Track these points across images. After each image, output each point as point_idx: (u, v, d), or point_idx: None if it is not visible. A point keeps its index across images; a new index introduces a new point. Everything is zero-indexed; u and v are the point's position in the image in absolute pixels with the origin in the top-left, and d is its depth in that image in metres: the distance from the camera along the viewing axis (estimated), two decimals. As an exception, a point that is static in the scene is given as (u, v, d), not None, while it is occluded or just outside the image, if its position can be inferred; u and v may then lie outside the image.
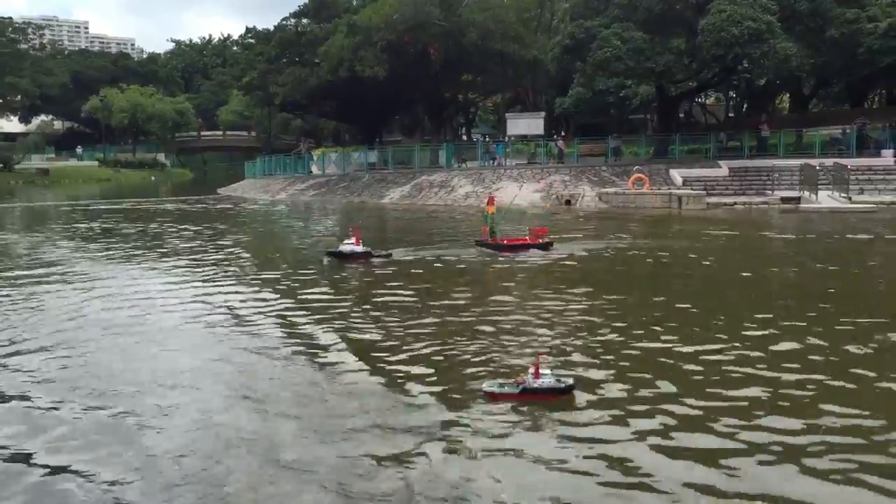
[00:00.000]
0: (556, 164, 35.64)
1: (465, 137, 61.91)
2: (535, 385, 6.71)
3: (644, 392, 6.91)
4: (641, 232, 20.45)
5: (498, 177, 34.21)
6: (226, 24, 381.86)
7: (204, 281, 13.53)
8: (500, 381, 7.07)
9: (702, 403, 6.59)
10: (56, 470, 5.58)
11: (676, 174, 30.48)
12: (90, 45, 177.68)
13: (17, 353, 8.64)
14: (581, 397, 6.81)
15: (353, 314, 10.41)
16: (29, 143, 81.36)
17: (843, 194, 25.59)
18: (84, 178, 71.89)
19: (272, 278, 13.80)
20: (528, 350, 8.19)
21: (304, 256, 16.69)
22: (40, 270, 14.93)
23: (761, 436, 5.87)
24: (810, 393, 6.84)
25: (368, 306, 10.89)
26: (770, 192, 28.18)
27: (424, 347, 8.54)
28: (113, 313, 10.70)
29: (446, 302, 11.11)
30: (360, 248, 15.44)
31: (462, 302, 11.12)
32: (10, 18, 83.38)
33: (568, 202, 29.72)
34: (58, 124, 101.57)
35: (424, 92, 51.23)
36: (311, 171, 46.07)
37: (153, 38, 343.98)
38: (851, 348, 8.15)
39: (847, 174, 26.04)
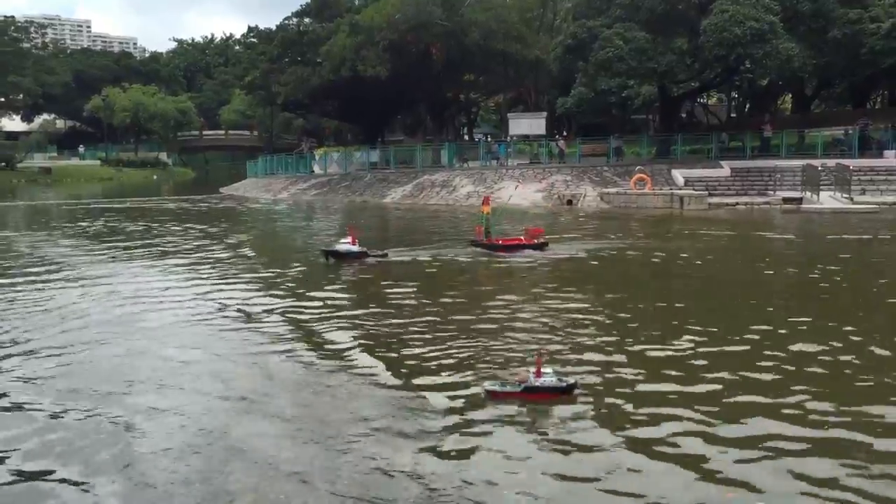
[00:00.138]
0: (558, 164, 35.61)
1: (466, 137, 61.88)
2: (537, 384, 6.71)
3: (645, 391, 6.91)
4: (643, 232, 20.44)
5: (500, 177, 34.19)
6: (228, 24, 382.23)
7: (204, 280, 13.55)
8: (502, 380, 7.07)
9: (702, 402, 6.59)
10: (47, 472, 5.58)
11: (678, 174, 30.44)
12: (92, 44, 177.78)
13: (18, 352, 8.65)
14: (582, 396, 6.82)
15: (351, 314, 10.42)
16: (31, 141, 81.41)
17: (845, 195, 25.55)
18: (86, 177, 71.93)
19: (271, 277, 13.82)
20: (528, 349, 8.18)
21: (303, 256, 16.67)
22: (42, 269, 14.95)
23: (759, 438, 5.88)
24: (812, 394, 6.83)
25: (365, 306, 10.88)
26: (772, 192, 28.14)
27: (424, 347, 8.54)
28: (114, 311, 10.72)
29: (444, 301, 11.11)
30: (356, 248, 15.43)
31: (461, 301, 11.13)
32: (13, 17, 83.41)
33: (569, 202, 29.70)
34: (60, 123, 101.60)
35: (426, 91, 51.22)
36: (313, 171, 46.06)
37: (155, 38, 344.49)
38: (851, 350, 8.14)
39: (849, 175, 25.99)
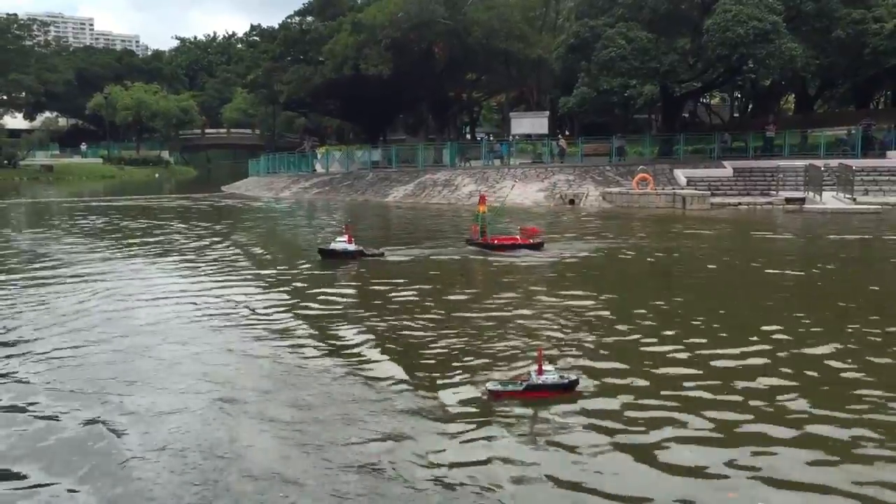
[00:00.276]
0: (559, 163, 35.57)
1: (468, 136, 61.87)
2: (539, 381, 6.70)
3: (646, 389, 6.88)
4: (645, 232, 20.41)
5: (502, 176, 34.17)
6: (231, 22, 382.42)
7: (205, 278, 13.53)
8: (504, 379, 7.05)
9: (703, 401, 6.57)
10: (39, 472, 5.57)
11: (680, 174, 30.42)
12: (95, 42, 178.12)
13: (19, 351, 8.64)
14: (584, 393, 6.80)
15: (350, 313, 10.38)
16: (33, 139, 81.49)
17: (847, 195, 25.50)
18: (88, 175, 71.96)
19: (271, 275, 13.82)
20: (530, 345, 8.15)
21: (304, 254, 16.63)
22: (43, 266, 14.95)
23: (759, 437, 5.86)
24: (814, 396, 6.80)
25: (363, 305, 10.86)
26: (774, 192, 28.11)
27: (424, 346, 8.52)
28: (113, 309, 10.70)
29: (442, 300, 11.08)
30: (352, 247, 15.41)
31: (461, 299, 11.10)
32: (16, 15, 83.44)
33: (572, 202, 29.68)
34: (62, 121, 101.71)
35: (428, 90, 51.19)
36: (315, 170, 46.07)
37: (158, 36, 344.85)
38: (854, 351, 8.11)
39: (852, 175, 25.96)
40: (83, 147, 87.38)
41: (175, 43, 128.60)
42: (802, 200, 26.30)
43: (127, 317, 10.22)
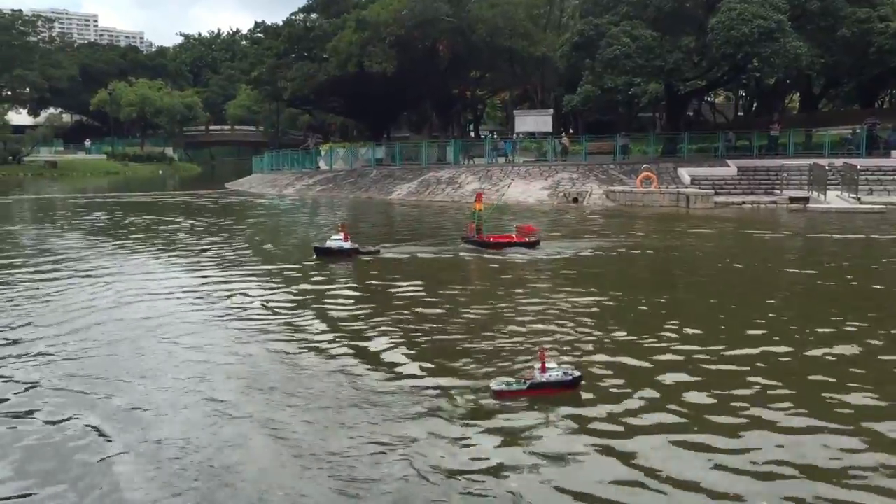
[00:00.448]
0: (563, 161, 35.54)
1: (472, 134, 61.85)
2: (543, 379, 6.70)
3: (649, 388, 6.88)
4: (648, 230, 20.39)
5: (505, 174, 34.15)
6: (235, 19, 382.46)
7: (207, 275, 13.56)
8: (508, 379, 7.04)
9: (706, 401, 6.58)
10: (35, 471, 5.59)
11: (685, 173, 30.38)
12: (99, 38, 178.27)
13: (19, 351, 8.66)
14: (588, 390, 6.81)
15: (348, 312, 10.35)
16: (37, 135, 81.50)
17: (852, 195, 25.45)
18: (92, 171, 72.10)
19: (271, 272, 13.84)
20: (532, 342, 8.14)
21: (300, 253, 16.55)
22: (46, 261, 14.99)
23: (763, 434, 5.86)
24: (816, 396, 6.80)
25: (363, 305, 10.81)
26: (779, 191, 28.06)
27: (425, 345, 8.50)
28: (117, 305, 10.72)
29: (439, 300, 11.05)
30: (347, 245, 15.37)
31: (462, 298, 11.11)
32: (20, 11, 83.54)
33: (575, 200, 29.66)
34: (66, 117, 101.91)
35: (432, 88, 51.16)
36: (319, 167, 46.12)
37: (162, 32, 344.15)
38: (857, 353, 8.11)
39: (856, 174, 25.91)
40: (87, 143, 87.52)
41: (179, 39, 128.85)
42: (806, 200, 26.26)
43: (131, 312, 10.23)
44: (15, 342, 8.75)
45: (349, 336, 8.98)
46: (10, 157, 70.09)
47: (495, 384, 6.86)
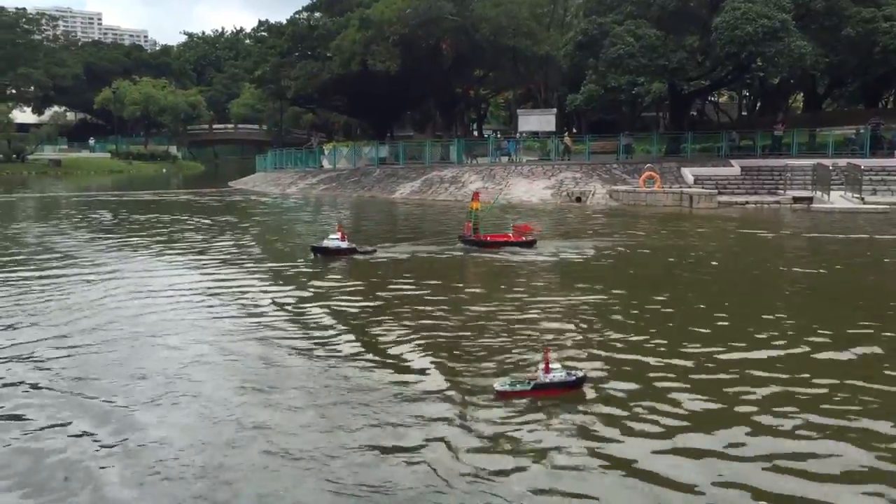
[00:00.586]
0: (566, 161, 35.49)
1: (476, 133, 61.80)
2: (546, 380, 6.70)
3: (652, 390, 6.89)
4: (651, 230, 20.37)
5: (509, 173, 34.14)
6: (239, 17, 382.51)
7: (209, 273, 13.61)
8: (511, 379, 7.05)
9: (709, 405, 6.58)
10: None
11: (688, 172, 30.34)
12: (103, 36, 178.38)
13: (22, 352, 8.69)
14: (591, 391, 6.81)
15: (347, 311, 10.35)
16: (42, 133, 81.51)
17: (855, 195, 25.40)
18: (96, 170, 72.22)
19: (272, 271, 13.86)
20: (535, 342, 8.15)
21: (301, 252, 16.53)
22: (50, 259, 15.03)
23: (765, 439, 5.86)
24: (818, 397, 6.80)
25: (360, 304, 10.81)
26: (782, 191, 28.02)
27: (426, 345, 8.49)
28: (119, 304, 10.75)
29: (439, 299, 11.06)
30: (344, 244, 15.38)
31: (462, 298, 11.11)
32: (24, 9, 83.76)
33: (578, 199, 29.64)
34: (70, 115, 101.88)
35: (436, 87, 51.13)
36: (322, 166, 46.13)
37: (166, 31, 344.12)
38: (860, 354, 8.10)
39: (860, 175, 25.85)
40: (91, 142, 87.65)
41: (183, 38, 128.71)
42: (810, 200, 26.22)
43: (133, 311, 10.24)
44: (17, 341, 8.77)
45: (349, 336, 8.98)
46: (15, 156, 70.18)
47: (499, 384, 6.87)
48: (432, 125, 59.99)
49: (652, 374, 7.32)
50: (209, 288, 12.02)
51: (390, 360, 7.92)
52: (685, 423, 6.15)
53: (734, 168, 30.45)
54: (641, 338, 8.64)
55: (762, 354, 7.94)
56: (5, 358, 8.08)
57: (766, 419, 6.20)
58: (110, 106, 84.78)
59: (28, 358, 8.08)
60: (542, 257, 15.12)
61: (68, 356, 8.13)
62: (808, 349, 8.15)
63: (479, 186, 32.24)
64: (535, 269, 14.01)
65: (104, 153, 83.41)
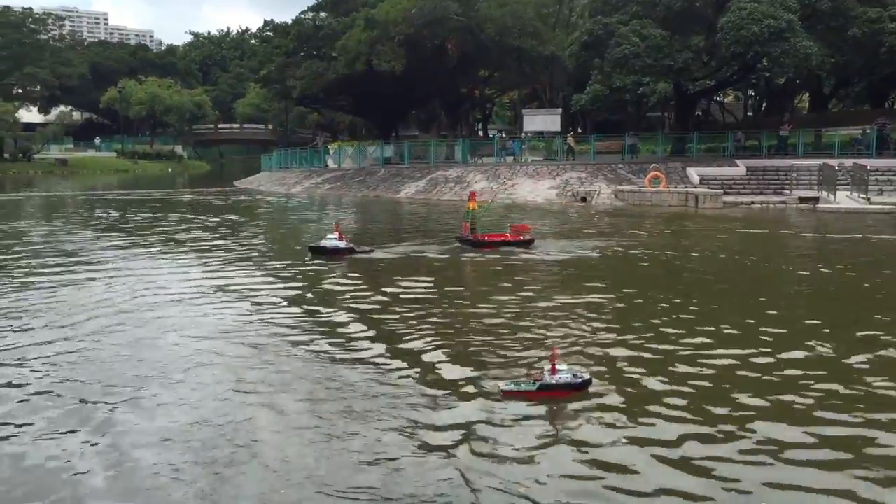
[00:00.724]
0: (571, 161, 35.49)
1: (481, 133, 61.81)
2: (552, 381, 6.69)
3: (658, 392, 6.89)
4: (656, 230, 20.35)
5: (514, 173, 34.15)
6: (244, 17, 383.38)
7: (213, 272, 13.62)
8: (517, 378, 7.05)
9: (716, 409, 6.58)
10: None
11: (693, 172, 30.31)
12: (109, 36, 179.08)
13: (25, 351, 8.72)
14: (595, 394, 6.80)
15: (346, 312, 10.29)
16: (48, 133, 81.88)
17: (861, 195, 25.34)
18: (102, 169, 72.48)
19: (275, 270, 13.85)
20: (540, 342, 8.15)
21: (301, 252, 16.53)
22: (56, 258, 15.07)
23: (765, 443, 5.85)
24: (820, 397, 6.78)
25: (360, 304, 10.76)
26: (788, 191, 27.97)
27: (427, 344, 8.49)
28: (123, 302, 10.75)
29: (438, 299, 11.04)
30: (342, 244, 15.33)
31: (464, 296, 11.09)
32: (31, 9, 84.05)
33: (584, 199, 29.63)
34: (76, 115, 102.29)
35: (441, 87, 51.16)
36: (327, 165, 46.22)
37: (172, 31, 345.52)
38: (862, 353, 8.09)
39: (866, 175, 25.79)
40: (97, 141, 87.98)
41: (189, 38, 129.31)
42: (816, 200, 26.17)
43: (137, 309, 10.26)
44: (18, 342, 8.80)
45: (349, 337, 8.96)
46: (21, 155, 70.48)
47: (504, 384, 6.87)
48: (437, 125, 60.09)
49: (656, 378, 7.28)
50: (213, 287, 12.03)
51: (392, 361, 7.90)
52: (691, 429, 6.13)
53: (740, 168, 30.41)
54: (646, 338, 8.62)
55: (770, 358, 7.88)
56: (5, 358, 8.11)
57: (777, 426, 6.15)
58: (116, 105, 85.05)
59: (28, 358, 8.09)
60: (546, 257, 15.11)
61: (68, 353, 8.15)
62: (815, 352, 8.12)
63: (484, 186, 32.27)
64: (539, 268, 14.00)
65: (110, 152, 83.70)
